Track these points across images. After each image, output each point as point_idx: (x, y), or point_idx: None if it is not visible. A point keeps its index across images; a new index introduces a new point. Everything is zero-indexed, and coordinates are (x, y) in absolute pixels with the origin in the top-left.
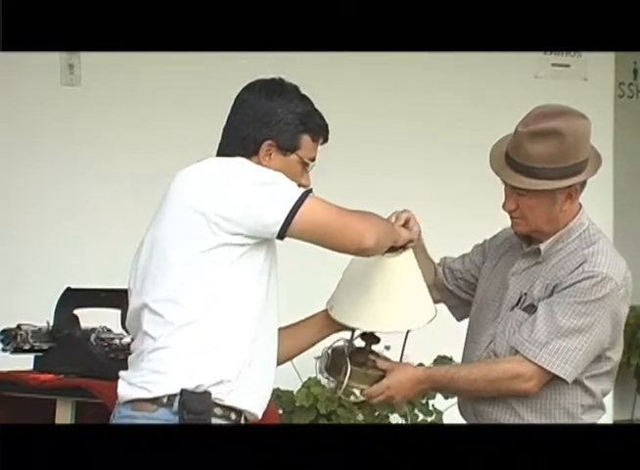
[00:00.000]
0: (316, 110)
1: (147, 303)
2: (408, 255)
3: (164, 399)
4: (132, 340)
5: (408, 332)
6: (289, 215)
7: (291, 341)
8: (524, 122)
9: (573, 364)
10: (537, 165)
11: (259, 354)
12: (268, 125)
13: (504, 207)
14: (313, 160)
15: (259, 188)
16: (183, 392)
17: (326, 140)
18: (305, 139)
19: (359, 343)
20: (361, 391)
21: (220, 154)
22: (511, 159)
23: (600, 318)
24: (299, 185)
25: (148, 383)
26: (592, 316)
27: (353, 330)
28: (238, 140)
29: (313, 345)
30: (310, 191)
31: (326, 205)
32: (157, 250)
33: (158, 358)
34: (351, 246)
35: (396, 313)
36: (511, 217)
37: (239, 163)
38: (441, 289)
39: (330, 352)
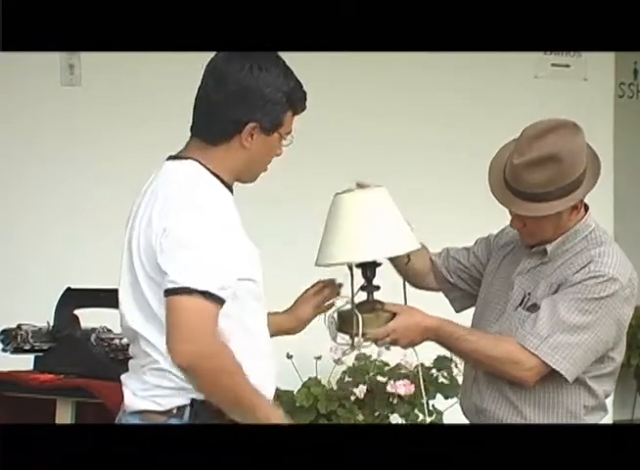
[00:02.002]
0: (298, 81)
1: (140, 332)
2: (380, 190)
3: (174, 411)
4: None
5: (405, 280)
6: (172, 290)
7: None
8: (517, 151)
9: (572, 361)
10: (539, 191)
11: (261, 348)
12: (255, 107)
13: (511, 224)
14: (290, 132)
15: (180, 248)
16: (194, 402)
17: (304, 110)
18: (288, 115)
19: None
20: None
21: (197, 133)
22: (511, 186)
23: (603, 317)
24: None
25: (157, 396)
26: (595, 315)
27: (352, 284)
28: (219, 121)
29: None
30: (214, 296)
31: (198, 316)
32: (135, 286)
33: (165, 376)
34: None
35: (374, 239)
36: (518, 231)
37: (192, 209)
38: (441, 281)
39: (336, 315)
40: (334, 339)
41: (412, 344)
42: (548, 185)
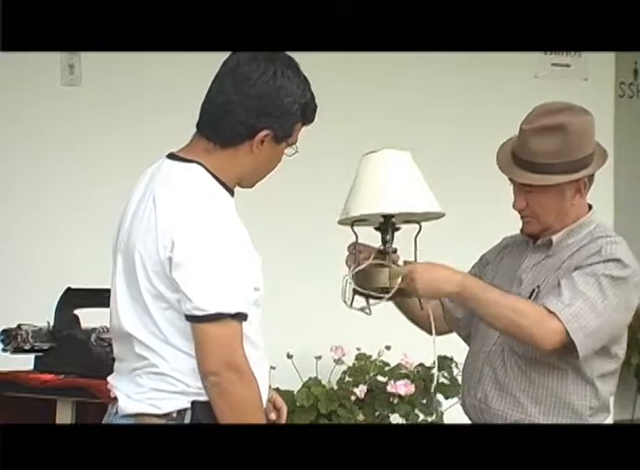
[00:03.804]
0: (313, 93)
1: (136, 336)
2: (406, 153)
3: (174, 414)
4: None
5: (417, 237)
6: (201, 318)
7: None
8: (527, 120)
9: (586, 332)
10: (543, 161)
11: (260, 355)
12: (271, 116)
13: (514, 206)
14: (295, 142)
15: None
16: (194, 405)
17: (312, 122)
18: (298, 126)
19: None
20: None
21: (205, 132)
22: (517, 157)
23: (617, 298)
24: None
25: (155, 399)
26: (610, 295)
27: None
28: (233, 123)
29: None
30: (242, 316)
31: (230, 338)
32: (134, 291)
33: (164, 380)
34: (198, 363)
35: (402, 193)
36: (521, 217)
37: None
38: (451, 320)
39: (352, 276)
40: (349, 301)
41: (431, 286)
42: (553, 156)
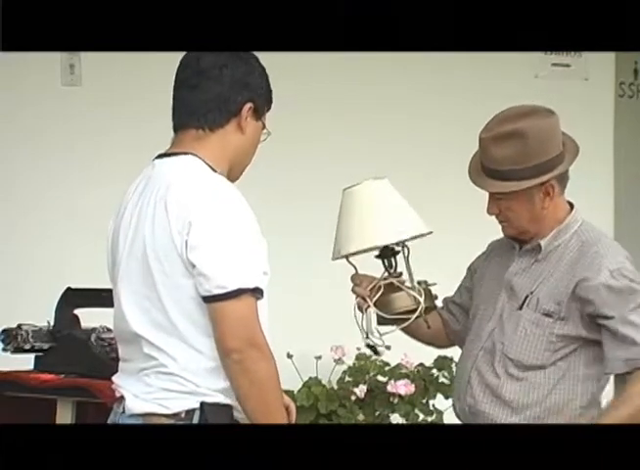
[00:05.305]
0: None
1: (144, 336)
2: (384, 181)
3: (183, 414)
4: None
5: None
6: (221, 296)
7: None
8: (486, 129)
9: None
10: (504, 168)
11: (265, 328)
12: (248, 87)
13: (487, 211)
14: (265, 126)
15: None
16: (203, 406)
17: (270, 108)
18: (266, 106)
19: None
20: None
21: (189, 122)
22: (482, 165)
23: None
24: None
25: (163, 399)
26: None
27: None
28: (215, 100)
29: None
30: (258, 292)
31: (251, 314)
32: (144, 289)
33: (173, 380)
34: (219, 342)
35: (388, 224)
36: (499, 221)
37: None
38: (451, 332)
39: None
40: (374, 332)
41: None
42: (514, 163)
